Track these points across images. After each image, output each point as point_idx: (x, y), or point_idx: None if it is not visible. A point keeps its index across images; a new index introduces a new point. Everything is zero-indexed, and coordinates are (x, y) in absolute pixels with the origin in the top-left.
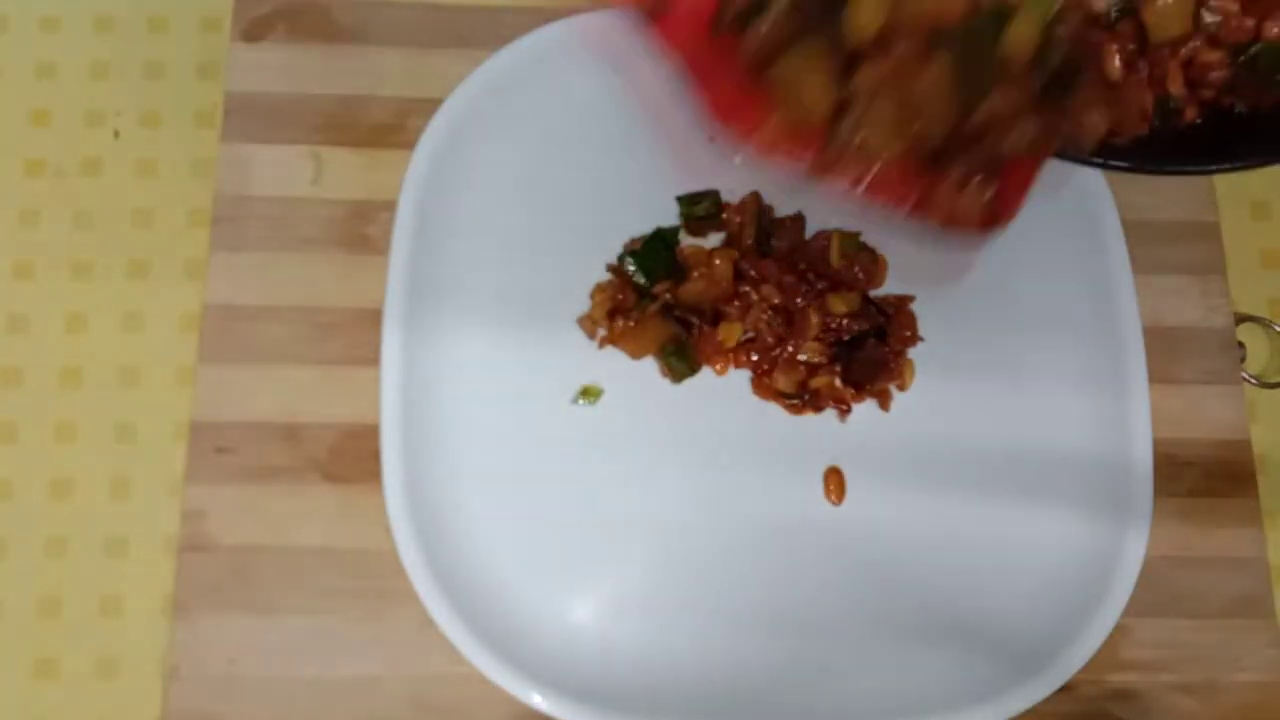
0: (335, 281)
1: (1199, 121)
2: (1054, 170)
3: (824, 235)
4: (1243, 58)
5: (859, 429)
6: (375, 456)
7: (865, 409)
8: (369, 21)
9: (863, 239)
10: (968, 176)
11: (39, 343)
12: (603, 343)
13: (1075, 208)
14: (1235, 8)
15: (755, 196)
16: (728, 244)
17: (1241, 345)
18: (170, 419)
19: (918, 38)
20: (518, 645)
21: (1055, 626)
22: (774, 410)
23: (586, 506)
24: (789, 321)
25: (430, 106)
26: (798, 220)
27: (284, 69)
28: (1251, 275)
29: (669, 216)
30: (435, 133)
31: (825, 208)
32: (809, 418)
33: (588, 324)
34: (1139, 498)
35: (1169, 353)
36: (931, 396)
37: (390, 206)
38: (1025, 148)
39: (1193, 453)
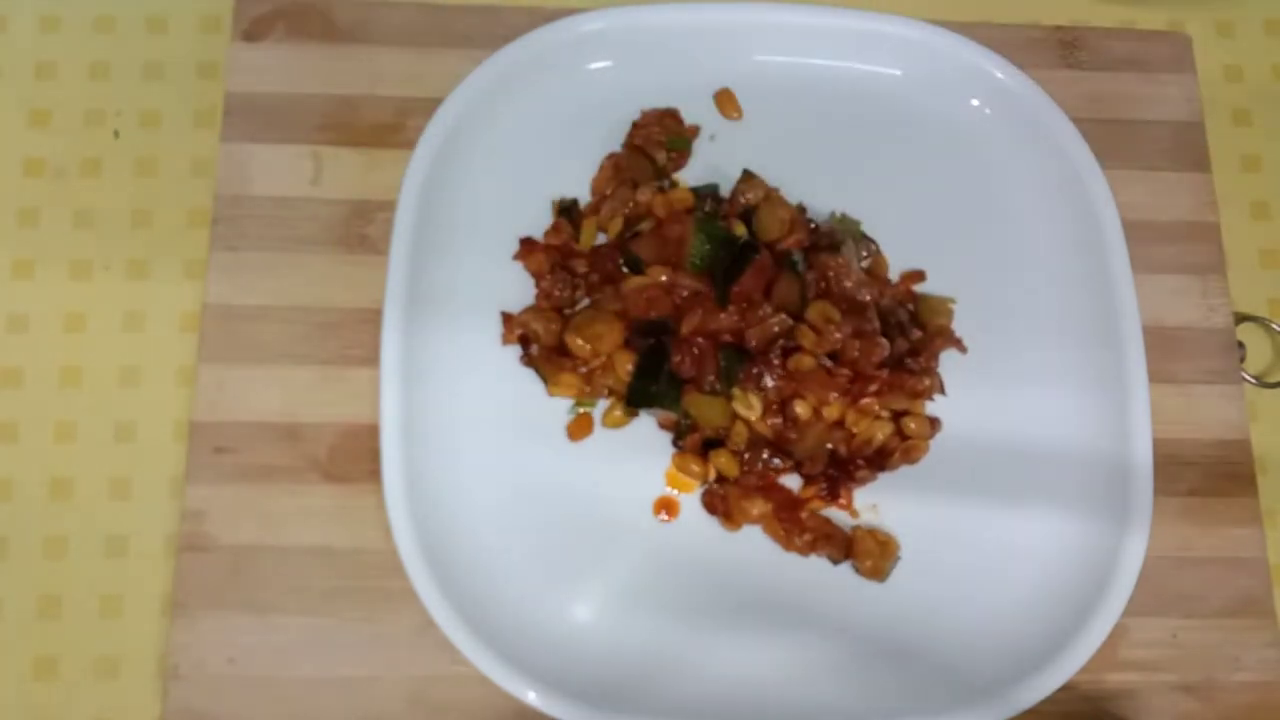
0: (335, 281)
1: None
2: None
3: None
4: None
5: None
6: (375, 456)
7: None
8: (369, 21)
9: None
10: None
11: (39, 343)
12: None
13: (1075, 208)
14: None
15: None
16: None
17: (1241, 345)
18: (170, 419)
19: None
20: (517, 645)
21: (1055, 626)
22: None
23: (586, 506)
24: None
25: (430, 106)
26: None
27: (284, 69)
28: (1251, 275)
29: None
30: (435, 133)
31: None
32: None
33: None
34: (1139, 498)
35: (1169, 353)
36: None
37: (390, 206)
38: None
39: (1193, 453)
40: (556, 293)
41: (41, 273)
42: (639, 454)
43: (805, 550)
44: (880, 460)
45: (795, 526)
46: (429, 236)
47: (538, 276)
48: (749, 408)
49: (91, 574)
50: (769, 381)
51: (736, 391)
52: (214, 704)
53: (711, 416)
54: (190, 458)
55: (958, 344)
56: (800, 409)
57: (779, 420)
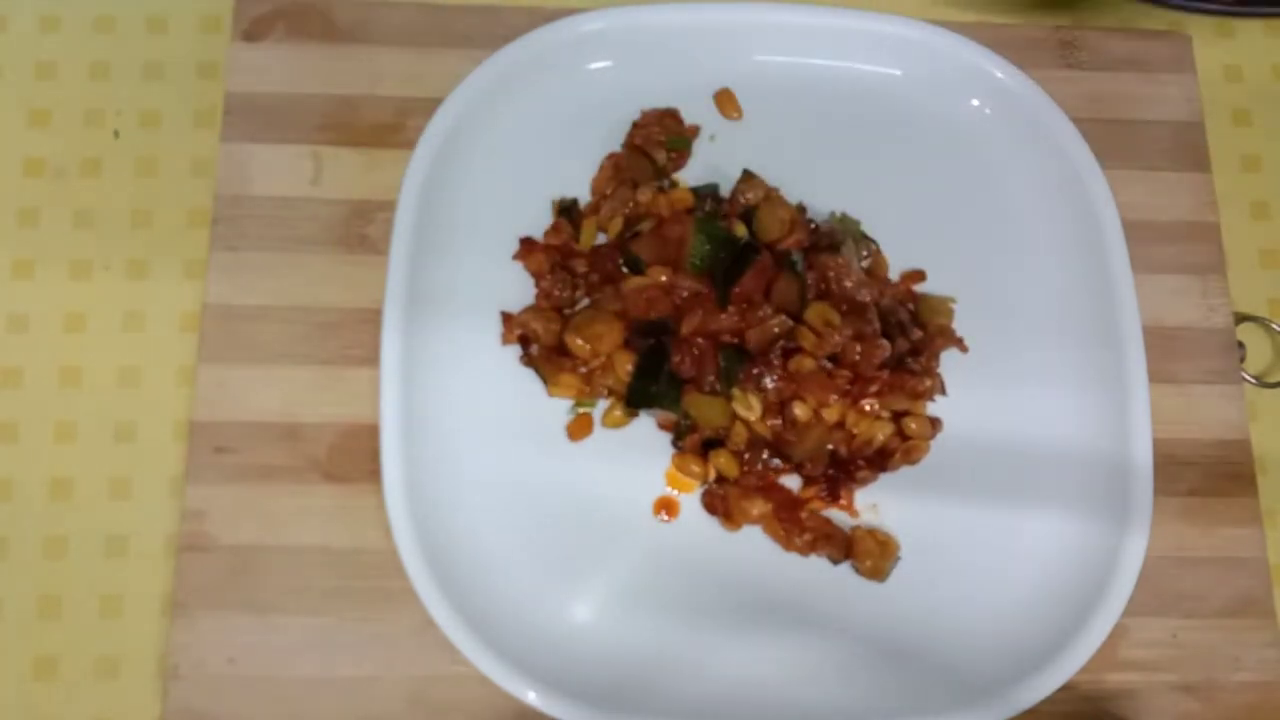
0: (334, 281)
1: None
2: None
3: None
4: None
5: None
6: (375, 456)
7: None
8: (369, 21)
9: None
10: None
11: (39, 343)
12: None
13: (1075, 208)
14: None
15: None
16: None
17: (1241, 345)
18: (170, 419)
19: None
20: (517, 645)
21: (1055, 626)
22: None
23: (586, 506)
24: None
25: (430, 106)
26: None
27: (284, 69)
28: (1251, 275)
29: None
30: (435, 133)
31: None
32: None
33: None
34: (1139, 498)
35: (1169, 353)
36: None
37: (390, 206)
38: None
39: (1193, 453)
40: (556, 293)
41: (41, 273)
42: (639, 454)
43: (805, 550)
44: (881, 461)
45: (795, 526)
46: (429, 236)
47: (538, 276)
48: (749, 408)
49: (91, 574)
50: (769, 382)
51: (736, 392)
52: (214, 704)
53: (711, 417)
54: (190, 458)
55: (959, 344)
56: (800, 410)
57: (779, 421)
